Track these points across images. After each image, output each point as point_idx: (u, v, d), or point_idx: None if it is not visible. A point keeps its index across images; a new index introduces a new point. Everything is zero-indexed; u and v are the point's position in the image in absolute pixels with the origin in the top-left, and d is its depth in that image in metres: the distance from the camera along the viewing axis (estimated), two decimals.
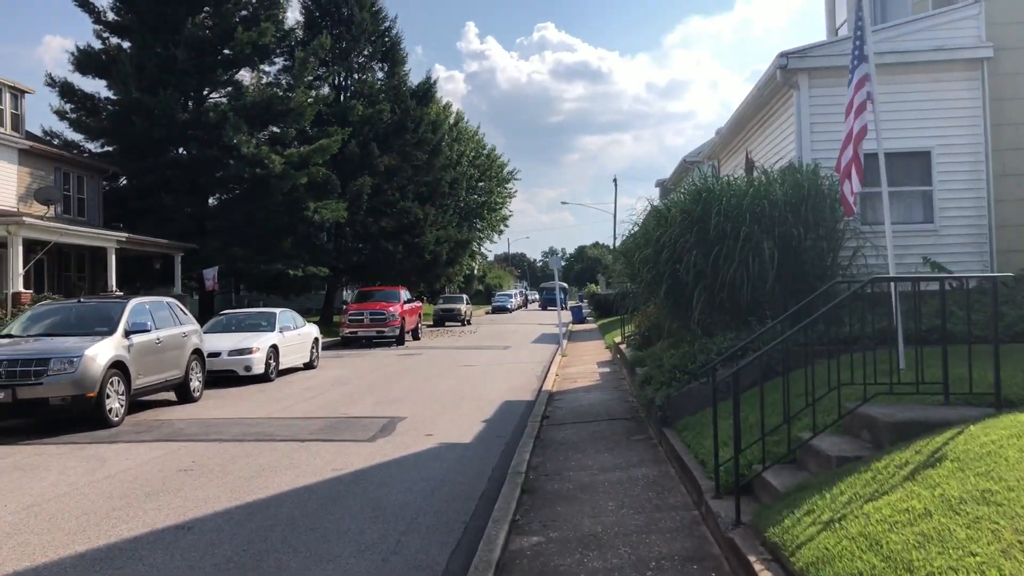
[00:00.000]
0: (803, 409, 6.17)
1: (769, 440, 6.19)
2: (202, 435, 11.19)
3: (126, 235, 28.21)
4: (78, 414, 11.66)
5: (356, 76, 40.20)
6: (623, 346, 17.63)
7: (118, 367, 12.24)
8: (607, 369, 18.18)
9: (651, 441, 9.48)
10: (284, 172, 32.60)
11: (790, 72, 11.52)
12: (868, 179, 8.81)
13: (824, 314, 6.33)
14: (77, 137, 35.20)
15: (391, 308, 29.47)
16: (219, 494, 7.89)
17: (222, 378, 17.07)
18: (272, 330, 18.43)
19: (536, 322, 46.97)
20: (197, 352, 14.96)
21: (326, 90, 39.39)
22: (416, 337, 32.30)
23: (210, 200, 36.20)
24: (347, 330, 29.27)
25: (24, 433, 11.53)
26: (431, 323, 45.29)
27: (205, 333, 18.49)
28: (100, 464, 9.39)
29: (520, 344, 28.89)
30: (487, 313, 65.29)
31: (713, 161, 17.51)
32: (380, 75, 40.49)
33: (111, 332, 12.54)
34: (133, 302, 13.65)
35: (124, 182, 35.81)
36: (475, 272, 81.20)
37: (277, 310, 19.73)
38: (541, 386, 15.76)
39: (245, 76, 37.26)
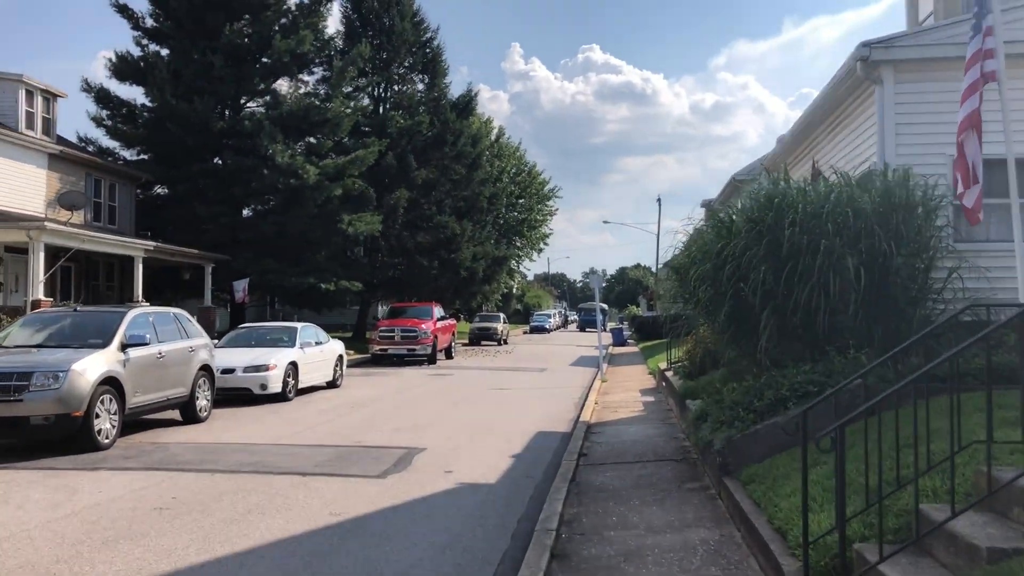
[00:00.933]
0: (924, 471, 4.67)
1: (872, 510, 4.73)
2: (195, 464, 9.94)
3: (153, 244, 27.39)
4: (63, 435, 10.50)
5: (396, 87, 39.29)
6: (670, 373, 16.11)
7: (111, 383, 11.07)
8: (651, 398, 16.64)
9: (708, 492, 7.98)
10: (318, 183, 31.67)
11: (872, 65, 10.01)
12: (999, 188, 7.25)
13: (947, 345, 4.80)
14: (113, 145, 34.74)
15: (423, 325, 28.21)
16: (189, 543, 6.59)
17: (237, 397, 15.90)
18: (292, 346, 17.24)
19: (575, 343, 45.44)
20: (206, 368, 13.78)
21: (365, 101, 38.53)
22: (449, 356, 31.00)
23: (244, 211, 35.44)
24: (377, 347, 28.07)
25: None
26: (466, 342, 44.04)
27: (221, 348, 17.42)
28: (68, 497, 8.15)
29: (557, 367, 27.42)
30: (524, 333, 63.85)
31: (774, 174, 15.94)
32: (420, 87, 39.52)
33: (105, 344, 11.39)
34: (133, 312, 12.51)
35: (158, 191, 35.23)
36: (513, 291, 79.91)
37: (299, 324, 18.56)
38: (579, 415, 14.30)
39: (283, 85, 36.57)
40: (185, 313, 14.30)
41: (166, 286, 32.25)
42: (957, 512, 4.07)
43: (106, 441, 10.82)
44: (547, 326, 66.70)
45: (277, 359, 16.28)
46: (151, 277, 32.90)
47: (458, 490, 8.60)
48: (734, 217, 9.32)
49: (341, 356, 19.53)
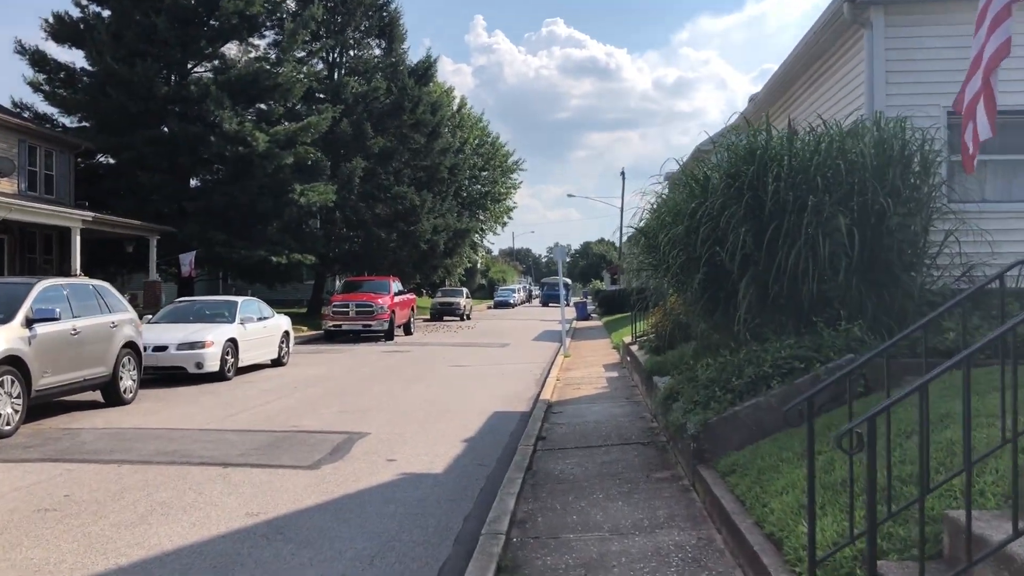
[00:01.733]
0: (955, 471, 3.73)
1: (898, 517, 3.80)
2: (104, 453, 8.78)
3: (92, 214, 25.78)
4: None
5: (351, 53, 37.69)
6: (635, 348, 15.19)
7: (12, 363, 9.83)
8: (615, 374, 15.73)
9: (681, 483, 7.04)
10: (268, 151, 30.19)
11: (860, 6, 9.04)
12: (994, 144, 6.29)
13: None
14: (52, 111, 32.89)
15: (380, 300, 27.03)
16: (65, 555, 5.49)
17: (171, 376, 14.69)
18: (232, 321, 16.02)
19: (539, 318, 44.52)
20: (131, 345, 12.54)
21: (319, 66, 36.93)
22: (408, 332, 29.87)
23: (191, 181, 33.83)
24: (330, 323, 26.85)
25: None
26: (428, 317, 42.92)
27: (156, 323, 16.19)
28: None
29: (520, 342, 26.46)
30: (489, 308, 62.81)
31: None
32: (377, 52, 37.96)
33: (7, 320, 10.13)
34: (42, 284, 11.22)
35: (101, 160, 33.42)
36: (478, 265, 78.76)
37: (239, 299, 17.33)
38: (539, 393, 13.34)
39: (232, 49, 34.90)
40: (107, 285, 13.02)
41: (110, 260, 30.63)
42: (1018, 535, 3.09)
43: (6, 428, 9.60)
44: (511, 301, 65.68)
45: (214, 335, 15.08)
46: (93, 250, 31.20)
47: (399, 482, 7.58)
48: (710, 173, 8.31)
49: (287, 332, 18.34)
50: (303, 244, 33.03)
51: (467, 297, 44.91)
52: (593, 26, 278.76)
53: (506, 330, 33.37)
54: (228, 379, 15.24)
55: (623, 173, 62.70)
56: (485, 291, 79.97)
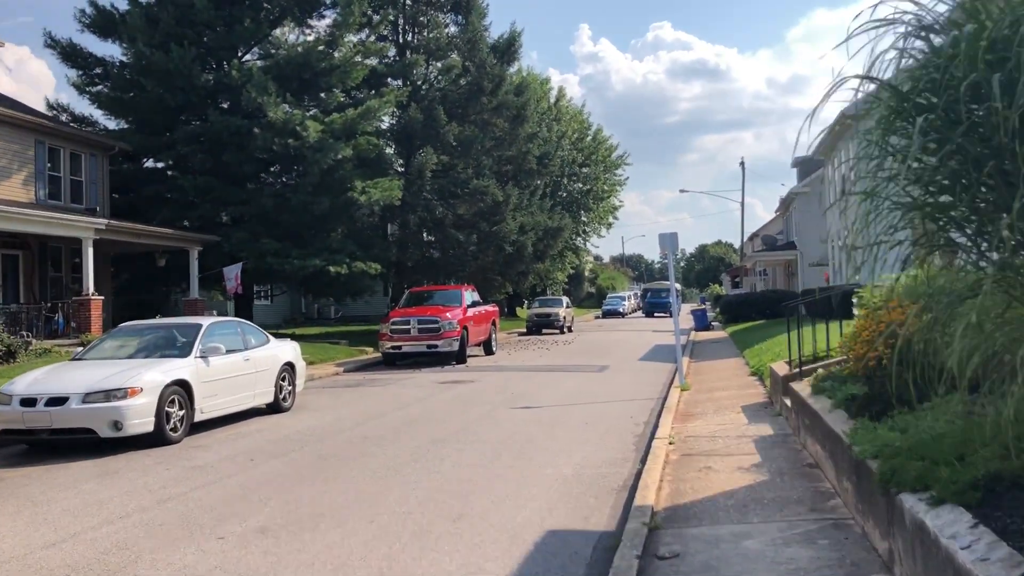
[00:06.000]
0: None
1: None
2: None
3: (105, 221, 21.70)
4: None
5: (424, 33, 32.70)
6: (800, 385, 9.23)
7: None
8: (767, 428, 9.75)
9: None
10: (321, 142, 25.51)
11: None
12: None
13: None
14: (93, 114, 29.50)
15: (448, 314, 21.74)
16: None
17: (82, 443, 9.77)
18: (186, 354, 10.97)
19: (650, 328, 38.37)
20: None
21: (383, 45, 32.09)
22: (489, 351, 24.50)
23: (245, 184, 29.66)
24: (388, 344, 21.75)
25: None
26: (524, 331, 37.54)
27: (81, 359, 11.36)
28: None
29: (623, 363, 20.60)
30: (596, 318, 56.90)
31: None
32: (453, 29, 32.89)
33: None
34: None
35: (145, 165, 29.66)
36: (584, 272, 72.93)
37: (206, 320, 12.26)
38: (637, 477, 7.61)
39: (287, 34, 30.64)
40: None
41: (143, 275, 26.72)
42: None
43: None
44: (621, 309, 59.44)
45: (148, 378, 10.04)
46: (122, 264, 27.46)
47: None
48: None
49: (290, 365, 13.21)
50: (369, 251, 28.21)
51: (567, 307, 39.23)
52: (701, 28, 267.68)
53: (609, 345, 27.52)
54: (173, 442, 10.18)
55: (743, 163, 55.11)
56: (594, 300, 74.01)
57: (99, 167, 26.13)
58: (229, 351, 11.71)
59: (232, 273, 25.54)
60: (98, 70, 28.56)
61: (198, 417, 10.84)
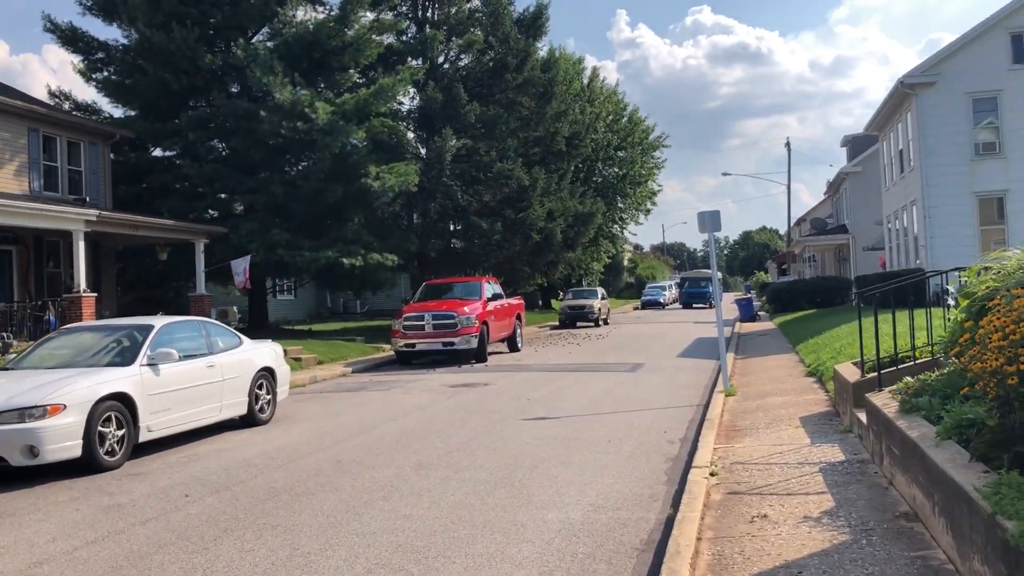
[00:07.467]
0: None
1: None
2: None
3: (96, 212, 20.11)
4: None
5: (444, 8, 30.71)
6: (882, 401, 7.15)
7: None
8: (837, 452, 7.65)
9: None
10: (331, 124, 23.75)
11: None
12: None
13: None
14: (98, 101, 28.30)
15: (466, 308, 19.85)
16: None
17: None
18: (130, 362, 9.21)
19: (691, 320, 36.14)
20: None
21: (409, 27, 30.23)
22: (514, 347, 22.57)
23: (254, 171, 28.02)
24: (401, 342, 19.90)
25: None
26: (556, 324, 35.56)
27: (11, 368, 9.67)
28: None
29: (659, 360, 18.50)
30: (636, 309, 54.62)
31: None
32: (476, 2, 30.84)
33: None
34: None
35: (150, 153, 28.17)
36: (623, 261, 70.55)
37: (159, 321, 10.42)
38: (665, 535, 5.62)
39: (296, 11, 28.88)
40: None
41: (143, 271, 25.26)
42: None
43: None
44: (661, 300, 57.02)
45: (75, 392, 8.29)
46: (128, 259, 26.06)
47: None
48: None
49: (268, 371, 11.41)
50: (387, 242, 26.43)
51: (602, 298, 37.11)
52: (741, 11, 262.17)
53: (646, 339, 25.42)
54: (109, 468, 8.43)
55: (788, 143, 51.80)
56: (633, 290, 71.62)
57: (99, 156, 24.65)
58: (187, 356, 9.92)
59: (240, 267, 23.89)
60: (100, 55, 27.14)
61: (144, 437, 9.07)
